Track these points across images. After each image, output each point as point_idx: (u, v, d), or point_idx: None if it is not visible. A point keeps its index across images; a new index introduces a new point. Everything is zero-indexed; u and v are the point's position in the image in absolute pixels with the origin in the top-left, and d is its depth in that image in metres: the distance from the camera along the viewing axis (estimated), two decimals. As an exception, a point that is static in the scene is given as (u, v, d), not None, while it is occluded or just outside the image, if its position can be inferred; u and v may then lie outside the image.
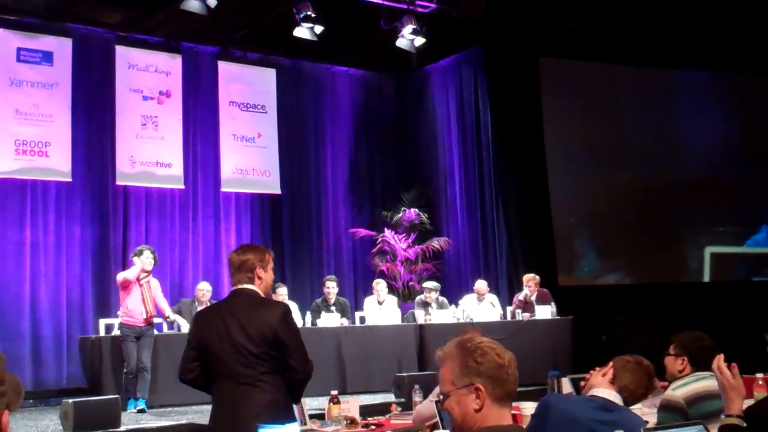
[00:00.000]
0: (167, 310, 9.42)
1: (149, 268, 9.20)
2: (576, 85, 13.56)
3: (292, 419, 3.89)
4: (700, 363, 4.25)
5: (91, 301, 11.54)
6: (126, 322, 9.04)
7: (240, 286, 3.99)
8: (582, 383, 3.66)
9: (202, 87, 12.72)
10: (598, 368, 3.52)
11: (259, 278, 4.01)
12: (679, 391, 4.07)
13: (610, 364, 3.47)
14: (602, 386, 3.36)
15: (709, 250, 13.84)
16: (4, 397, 1.39)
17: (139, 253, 9.23)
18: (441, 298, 11.21)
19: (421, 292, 11.48)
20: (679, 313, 10.59)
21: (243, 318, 3.85)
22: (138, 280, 9.09)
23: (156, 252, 9.52)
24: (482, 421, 2.24)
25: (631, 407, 4.26)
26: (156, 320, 9.34)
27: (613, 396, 3.33)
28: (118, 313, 9.30)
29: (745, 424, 2.91)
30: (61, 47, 11.49)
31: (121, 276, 9.29)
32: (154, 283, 9.37)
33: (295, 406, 5.21)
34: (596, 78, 13.75)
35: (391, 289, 12.10)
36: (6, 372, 1.42)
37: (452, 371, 2.31)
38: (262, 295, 4.05)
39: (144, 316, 9.01)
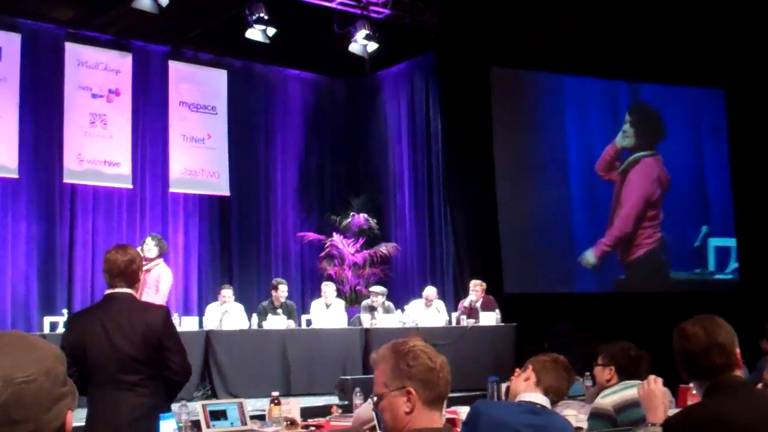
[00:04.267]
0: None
1: (150, 255, 8.91)
2: (526, 95, 13.76)
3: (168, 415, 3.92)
4: (627, 372, 4.41)
5: (36, 299, 11.40)
6: None
7: (117, 290, 3.93)
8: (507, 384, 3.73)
9: (152, 86, 12.63)
10: (518, 370, 3.57)
11: (139, 281, 4.01)
12: (608, 399, 4.22)
13: (530, 367, 3.51)
14: (528, 390, 3.42)
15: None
16: (68, 397, 1.42)
17: (143, 244, 9.09)
18: (387, 303, 11.27)
19: (368, 297, 11.54)
20: (620, 322, 10.79)
21: (125, 324, 3.81)
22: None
23: (163, 241, 9.36)
24: (412, 423, 2.30)
25: (566, 414, 4.39)
26: None
27: (540, 399, 3.39)
28: None
29: None
30: (10, 42, 11.34)
31: None
32: (156, 273, 9.06)
33: (236, 407, 5.26)
34: (546, 89, 13.97)
35: (339, 293, 12.14)
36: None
37: (385, 374, 2.37)
38: (139, 298, 4.05)
39: None
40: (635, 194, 14.30)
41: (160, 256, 9.23)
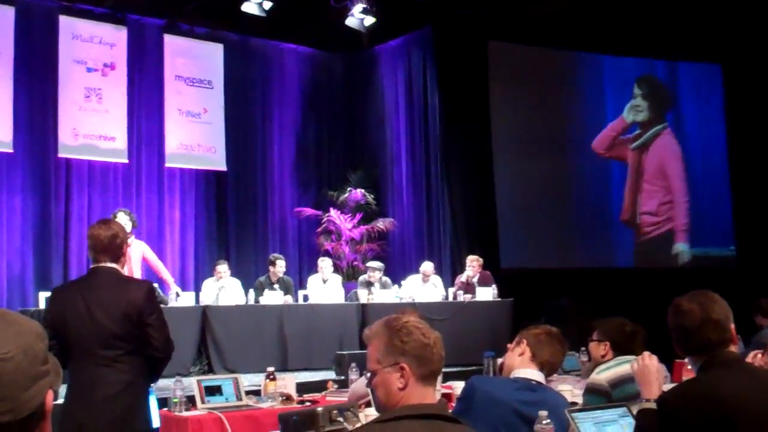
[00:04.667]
0: (168, 278, 9.37)
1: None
2: (524, 70, 13.67)
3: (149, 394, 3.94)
4: (622, 348, 4.42)
5: (31, 274, 11.38)
6: None
7: (101, 264, 3.90)
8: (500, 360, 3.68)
9: (147, 60, 12.54)
10: (510, 345, 3.51)
11: (124, 255, 3.97)
12: (603, 374, 4.23)
13: (523, 342, 3.44)
14: (523, 366, 3.38)
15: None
16: (49, 376, 1.37)
17: (114, 218, 8.83)
18: (384, 278, 11.27)
19: (365, 272, 11.53)
20: (617, 298, 10.81)
21: (106, 298, 3.80)
22: None
23: (133, 215, 9.36)
24: (406, 399, 2.28)
25: (562, 389, 4.38)
26: None
27: (535, 375, 3.35)
28: None
29: None
30: (3, 16, 11.23)
31: None
32: (138, 247, 9.19)
33: (231, 383, 5.25)
34: (544, 64, 13.88)
35: (336, 269, 12.14)
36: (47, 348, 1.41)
37: (378, 350, 2.34)
38: (124, 272, 4.02)
39: None
40: (675, 167, 14.34)
41: (132, 230, 9.17)
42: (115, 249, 3.91)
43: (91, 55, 11.89)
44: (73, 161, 11.86)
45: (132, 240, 9.06)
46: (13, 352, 1.31)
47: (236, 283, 10.49)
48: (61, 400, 4.03)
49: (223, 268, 10.48)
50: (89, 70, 11.86)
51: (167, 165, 12.57)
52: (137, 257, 9.14)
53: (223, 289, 10.26)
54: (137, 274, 9.00)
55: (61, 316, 3.85)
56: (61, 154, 11.66)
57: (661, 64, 14.62)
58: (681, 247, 14.20)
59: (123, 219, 8.96)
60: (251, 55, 13.65)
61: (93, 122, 11.81)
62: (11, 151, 11.23)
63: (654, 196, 14.24)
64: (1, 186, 11.30)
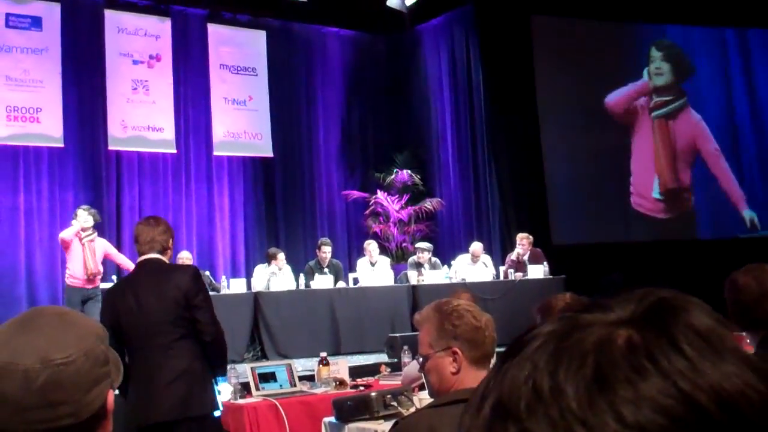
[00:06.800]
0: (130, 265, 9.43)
1: (88, 225, 9.04)
2: (568, 43, 13.48)
3: (213, 381, 4.01)
4: None
5: (86, 267, 11.55)
6: (70, 284, 9.01)
7: (148, 256, 4.02)
8: None
9: (191, 50, 12.65)
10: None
11: (170, 249, 4.09)
12: None
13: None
14: None
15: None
16: (109, 377, 1.38)
17: (75, 215, 9.18)
18: (434, 259, 11.25)
19: (414, 253, 11.51)
20: (672, 271, 10.66)
21: (153, 286, 3.91)
22: (80, 239, 8.98)
23: (93, 210, 9.42)
24: (459, 383, 2.27)
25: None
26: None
27: None
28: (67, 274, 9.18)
29: None
30: (50, 12, 11.41)
31: (59, 236, 9.28)
32: (101, 242, 9.32)
33: (285, 369, 5.28)
34: (588, 36, 13.68)
35: (384, 250, 12.14)
36: (108, 348, 1.42)
37: (430, 334, 2.34)
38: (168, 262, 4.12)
39: (84, 276, 8.91)
40: (709, 147, 14.09)
41: (94, 226, 9.25)
42: (161, 241, 4.03)
43: (137, 48, 12.02)
44: (123, 153, 12.02)
45: (95, 236, 9.19)
46: (74, 355, 1.31)
47: (287, 269, 10.58)
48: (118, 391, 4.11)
49: (282, 256, 10.57)
50: (135, 62, 11.99)
51: (215, 153, 12.67)
52: (100, 254, 9.20)
53: (274, 275, 10.34)
54: (100, 268, 9.15)
55: (114, 313, 3.96)
56: (111, 147, 11.81)
57: (720, 30, 14.30)
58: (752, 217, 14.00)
59: (83, 216, 9.03)
60: (294, 41, 13.68)
61: (141, 114, 11.94)
62: (62, 145, 11.41)
63: (686, 169, 13.97)
64: (54, 180, 11.49)
